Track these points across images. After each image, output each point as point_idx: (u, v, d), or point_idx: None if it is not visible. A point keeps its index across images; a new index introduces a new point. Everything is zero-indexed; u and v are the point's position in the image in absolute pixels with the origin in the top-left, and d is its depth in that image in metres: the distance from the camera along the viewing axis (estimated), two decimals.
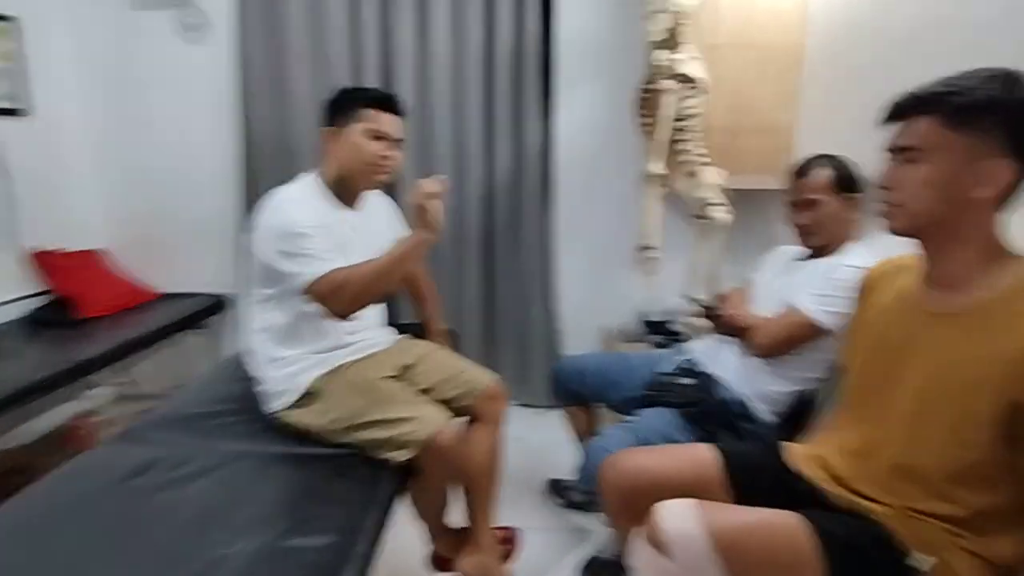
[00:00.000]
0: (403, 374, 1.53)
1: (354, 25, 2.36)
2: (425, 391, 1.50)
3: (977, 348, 0.85)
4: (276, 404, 1.43)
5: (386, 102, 1.43)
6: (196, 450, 1.33)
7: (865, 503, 0.97)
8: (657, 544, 0.94)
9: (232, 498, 1.16)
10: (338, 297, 1.28)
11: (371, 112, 1.40)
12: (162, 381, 2.66)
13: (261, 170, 2.47)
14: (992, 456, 0.83)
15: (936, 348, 0.90)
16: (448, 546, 1.55)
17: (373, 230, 1.52)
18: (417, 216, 1.26)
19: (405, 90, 2.37)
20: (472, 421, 1.54)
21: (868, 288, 1.11)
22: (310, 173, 1.47)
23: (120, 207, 2.63)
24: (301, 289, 1.30)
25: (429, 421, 1.29)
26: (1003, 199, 0.85)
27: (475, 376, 1.56)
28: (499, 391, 1.56)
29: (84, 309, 2.30)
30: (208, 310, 2.58)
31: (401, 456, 1.27)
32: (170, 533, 1.06)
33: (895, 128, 0.91)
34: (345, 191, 1.46)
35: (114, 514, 1.11)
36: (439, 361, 1.59)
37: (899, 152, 0.89)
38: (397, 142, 1.44)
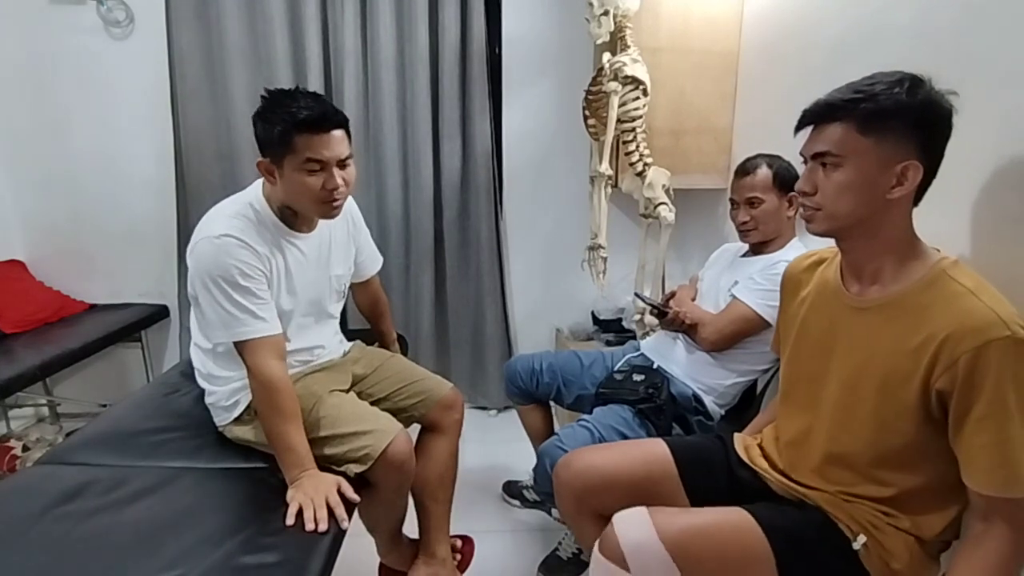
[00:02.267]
0: (355, 385, 1.48)
1: (295, 22, 2.28)
2: (379, 401, 1.46)
3: (893, 340, 0.89)
4: (221, 418, 1.37)
5: (318, 123, 1.17)
6: (133, 469, 1.25)
7: (803, 490, 1.01)
8: (614, 558, 0.94)
9: (175, 519, 1.09)
10: (257, 390, 1.20)
11: (303, 139, 1.16)
12: (93, 398, 2.51)
13: (198, 173, 2.35)
14: (916, 440, 0.88)
15: (857, 341, 0.95)
16: (400, 558, 1.52)
17: (329, 246, 1.41)
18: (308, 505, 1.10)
19: (350, 91, 2.33)
20: (428, 430, 1.51)
21: (791, 282, 1.14)
22: (254, 188, 1.31)
23: (41, 214, 2.45)
24: (232, 340, 1.21)
25: (381, 434, 1.25)
26: (915, 196, 0.89)
27: (431, 385, 1.52)
28: (456, 400, 1.53)
29: (2, 325, 2.14)
30: (143, 321, 2.44)
31: (355, 470, 1.24)
32: (107, 560, 0.99)
33: (809, 133, 0.93)
34: (295, 217, 1.31)
35: (44, 544, 1.03)
36: (394, 370, 1.54)
37: (816, 157, 0.92)
38: (344, 161, 1.23)
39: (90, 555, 1.00)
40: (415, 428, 1.50)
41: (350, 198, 1.47)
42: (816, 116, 0.91)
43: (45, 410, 2.58)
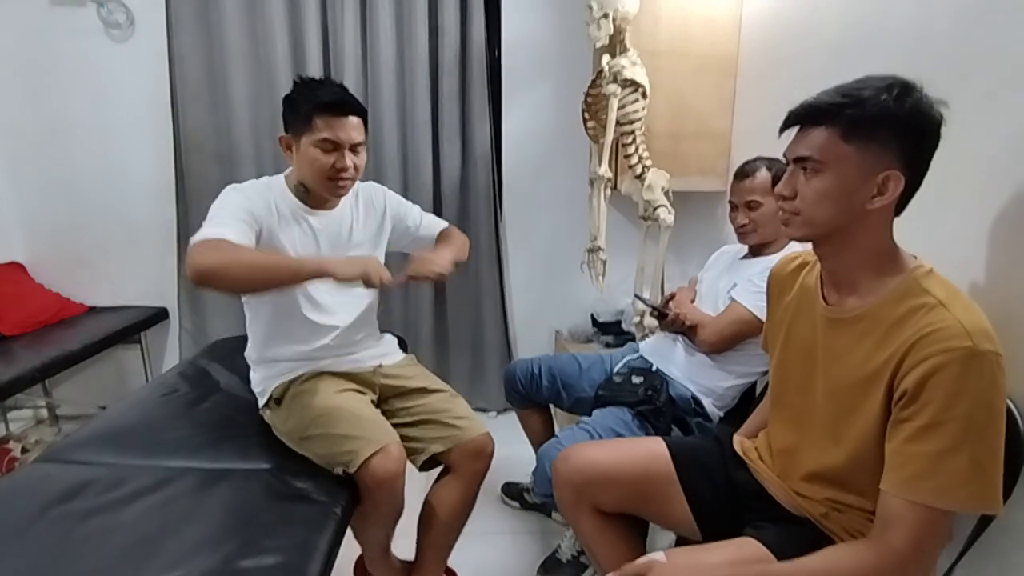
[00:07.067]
0: (381, 396, 1.45)
1: (294, 25, 2.29)
2: (404, 425, 1.39)
3: (866, 353, 0.87)
4: (259, 402, 1.44)
5: (338, 107, 1.29)
6: (132, 469, 1.25)
7: (798, 499, 1.00)
8: None
9: (174, 519, 1.09)
10: (207, 258, 1.12)
11: (322, 120, 1.28)
12: (92, 400, 2.51)
13: (197, 176, 2.37)
14: None
15: (835, 353, 0.93)
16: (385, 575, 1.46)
17: (350, 230, 1.44)
18: (360, 271, 1.19)
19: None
20: (448, 472, 1.42)
21: (777, 284, 1.13)
22: (278, 175, 1.41)
23: (40, 217, 2.45)
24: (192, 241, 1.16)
25: (366, 442, 1.21)
26: (895, 207, 0.87)
27: (464, 425, 1.41)
28: (486, 448, 1.41)
29: (2, 327, 2.14)
30: (143, 323, 2.44)
31: (337, 471, 1.23)
32: (105, 561, 0.99)
33: (793, 135, 0.91)
34: (312, 195, 1.38)
35: (42, 544, 1.02)
36: (430, 402, 1.45)
37: (798, 161, 0.89)
38: (356, 146, 1.34)
39: (89, 555, 1.00)
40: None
41: (383, 187, 1.60)
42: (801, 118, 0.89)
43: (44, 412, 2.58)
